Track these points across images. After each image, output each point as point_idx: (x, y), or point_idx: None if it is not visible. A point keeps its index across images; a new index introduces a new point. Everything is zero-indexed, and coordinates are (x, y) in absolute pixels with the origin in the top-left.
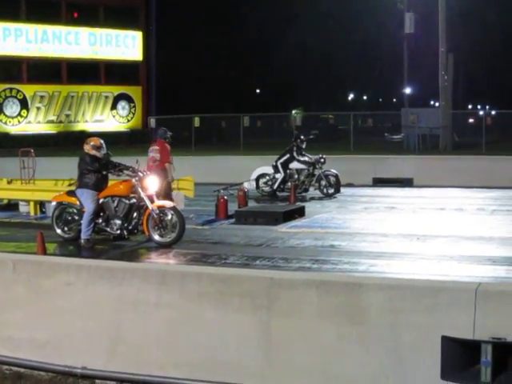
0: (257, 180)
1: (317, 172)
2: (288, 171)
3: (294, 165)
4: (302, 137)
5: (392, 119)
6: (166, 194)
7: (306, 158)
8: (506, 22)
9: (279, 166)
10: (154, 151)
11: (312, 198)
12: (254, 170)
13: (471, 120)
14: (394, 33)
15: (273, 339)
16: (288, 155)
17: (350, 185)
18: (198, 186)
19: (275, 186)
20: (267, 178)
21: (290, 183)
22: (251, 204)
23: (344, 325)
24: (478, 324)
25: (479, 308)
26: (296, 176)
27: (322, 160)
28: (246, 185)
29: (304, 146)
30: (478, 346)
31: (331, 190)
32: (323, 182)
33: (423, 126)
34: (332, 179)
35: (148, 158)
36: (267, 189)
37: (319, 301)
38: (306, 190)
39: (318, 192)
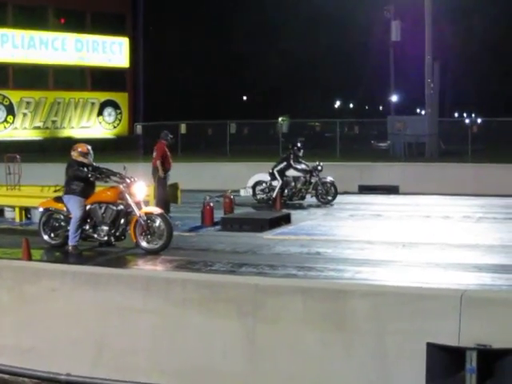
0: (253, 187)
1: (313, 179)
2: (284, 178)
3: (291, 172)
4: (299, 144)
5: (378, 127)
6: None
7: (303, 166)
8: (492, 31)
9: (276, 174)
10: (154, 151)
11: (310, 206)
12: (241, 176)
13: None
14: (381, 41)
15: (258, 345)
16: (285, 163)
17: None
18: (184, 192)
19: (274, 194)
20: (264, 185)
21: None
22: (238, 211)
23: (329, 331)
24: (463, 331)
25: (464, 315)
26: (293, 183)
27: (319, 167)
28: (242, 192)
29: (301, 154)
30: (463, 353)
31: (328, 198)
32: (320, 190)
33: (409, 134)
34: (329, 186)
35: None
36: (263, 196)
37: (304, 307)
38: (303, 198)
39: (314, 199)
